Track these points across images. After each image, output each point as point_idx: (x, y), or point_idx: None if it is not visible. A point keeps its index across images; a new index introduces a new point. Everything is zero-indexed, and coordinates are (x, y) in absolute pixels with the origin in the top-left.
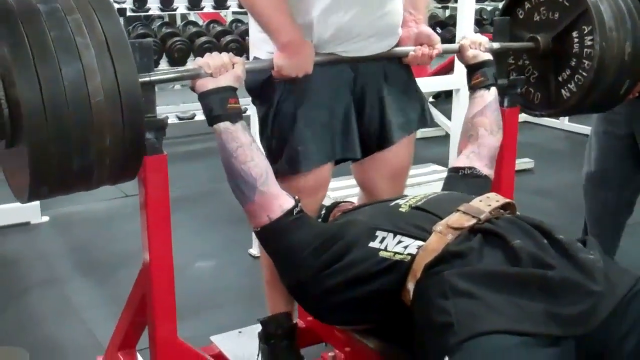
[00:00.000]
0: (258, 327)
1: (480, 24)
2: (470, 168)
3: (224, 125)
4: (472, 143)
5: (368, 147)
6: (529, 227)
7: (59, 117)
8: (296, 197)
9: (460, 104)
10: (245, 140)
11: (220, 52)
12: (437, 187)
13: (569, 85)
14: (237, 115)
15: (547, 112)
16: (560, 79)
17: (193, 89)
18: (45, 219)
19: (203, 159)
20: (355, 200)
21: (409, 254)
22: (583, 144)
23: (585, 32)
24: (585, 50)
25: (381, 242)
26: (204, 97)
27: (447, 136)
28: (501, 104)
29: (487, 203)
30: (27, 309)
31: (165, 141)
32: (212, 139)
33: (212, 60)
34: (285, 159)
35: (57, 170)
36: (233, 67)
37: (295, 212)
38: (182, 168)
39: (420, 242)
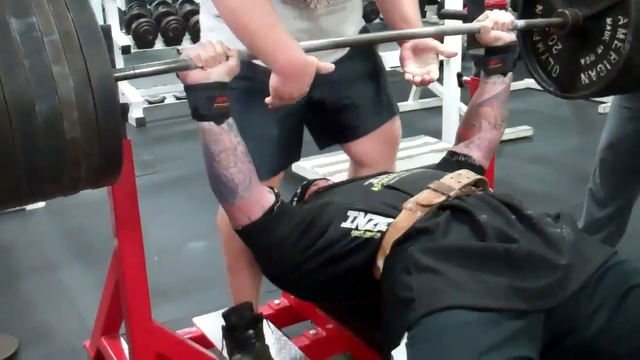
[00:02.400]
0: None
1: None
2: (466, 156)
3: (208, 125)
4: (474, 133)
5: (341, 139)
6: (497, 203)
7: (31, 155)
8: (276, 191)
9: (451, 73)
10: (230, 144)
11: None
12: (428, 159)
13: (590, 72)
14: (223, 116)
15: (559, 92)
16: (582, 62)
17: (180, 79)
18: (41, 204)
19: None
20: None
21: (379, 231)
22: (585, 109)
23: (620, 22)
24: (616, 42)
25: (352, 221)
26: (190, 91)
27: (439, 107)
28: (477, 74)
29: (457, 180)
30: (20, 294)
31: (163, 122)
32: None
33: (204, 51)
34: None
35: (28, 195)
36: (227, 59)
37: (275, 207)
38: (179, 148)
39: (390, 220)
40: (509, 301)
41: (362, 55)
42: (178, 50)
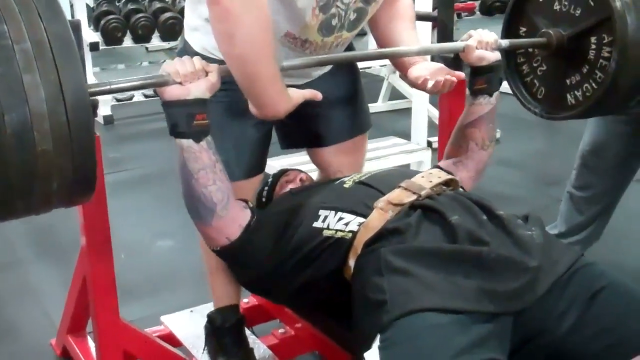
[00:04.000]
0: (209, 307)
1: None
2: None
3: (187, 142)
4: (461, 154)
5: (307, 144)
6: (469, 202)
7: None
8: (251, 205)
9: None
10: (209, 162)
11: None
12: (397, 160)
13: (575, 92)
14: (202, 133)
15: (546, 114)
16: (568, 82)
17: (158, 94)
18: None
19: (169, 137)
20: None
21: (350, 231)
22: None
23: (604, 41)
24: (601, 61)
25: (324, 220)
26: (169, 107)
27: (409, 109)
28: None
29: (428, 179)
30: None
31: (132, 119)
32: None
33: (182, 66)
34: None
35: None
36: (206, 75)
37: (252, 223)
38: (147, 146)
39: (361, 219)
40: (480, 303)
41: (344, 71)
42: (147, 49)
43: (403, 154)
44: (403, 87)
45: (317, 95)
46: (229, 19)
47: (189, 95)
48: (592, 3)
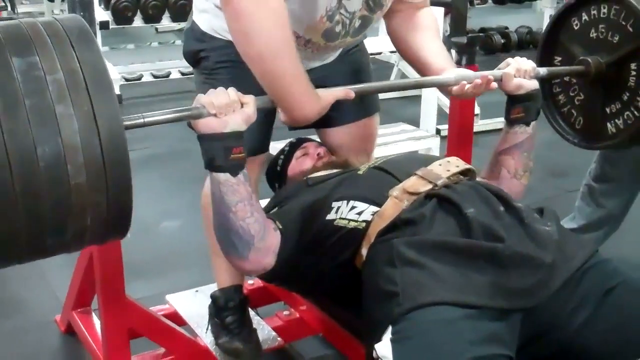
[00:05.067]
0: (215, 287)
1: None
2: None
3: (224, 176)
4: (494, 179)
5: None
6: (487, 193)
7: (32, 202)
8: (279, 226)
9: None
10: (246, 194)
11: None
12: (406, 147)
13: (616, 120)
14: (239, 167)
15: (585, 143)
16: (607, 110)
17: (192, 127)
18: None
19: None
20: None
21: (364, 221)
22: None
23: None
24: None
25: (336, 211)
26: (205, 141)
27: (419, 97)
28: (459, 62)
29: (446, 168)
30: None
31: (140, 99)
32: (186, 98)
33: (217, 98)
34: None
35: (28, 250)
36: (242, 106)
37: (281, 242)
38: (156, 127)
39: (375, 208)
40: (492, 299)
41: (354, 54)
42: (157, 29)
43: (411, 141)
44: (412, 73)
45: (350, 94)
46: (242, 17)
47: (225, 129)
48: (630, 29)
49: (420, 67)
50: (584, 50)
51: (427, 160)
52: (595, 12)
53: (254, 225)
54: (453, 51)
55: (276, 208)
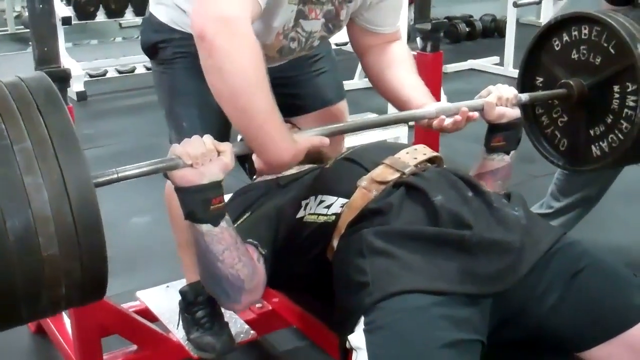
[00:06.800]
0: (185, 282)
1: None
2: None
3: (206, 227)
4: None
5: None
6: (455, 178)
7: (3, 276)
8: (263, 252)
9: None
10: (231, 240)
11: None
12: (373, 137)
13: (601, 143)
14: (220, 216)
15: (570, 166)
16: (592, 133)
17: (168, 178)
18: None
19: (143, 113)
20: None
21: (333, 214)
22: None
23: (628, 90)
24: (626, 110)
25: (305, 208)
26: (183, 194)
27: None
28: (424, 49)
29: (413, 156)
30: None
31: (105, 95)
32: (152, 93)
33: (192, 148)
34: (173, 128)
35: (1, 322)
36: (218, 155)
37: (266, 271)
38: (122, 122)
39: (344, 200)
40: (462, 285)
41: (318, 47)
42: (120, 24)
43: (379, 130)
44: None
45: (324, 141)
46: (217, 53)
47: (202, 180)
48: (612, 51)
49: (401, 105)
50: (565, 71)
51: (395, 148)
52: (576, 33)
53: (243, 270)
54: (418, 38)
55: (248, 213)
